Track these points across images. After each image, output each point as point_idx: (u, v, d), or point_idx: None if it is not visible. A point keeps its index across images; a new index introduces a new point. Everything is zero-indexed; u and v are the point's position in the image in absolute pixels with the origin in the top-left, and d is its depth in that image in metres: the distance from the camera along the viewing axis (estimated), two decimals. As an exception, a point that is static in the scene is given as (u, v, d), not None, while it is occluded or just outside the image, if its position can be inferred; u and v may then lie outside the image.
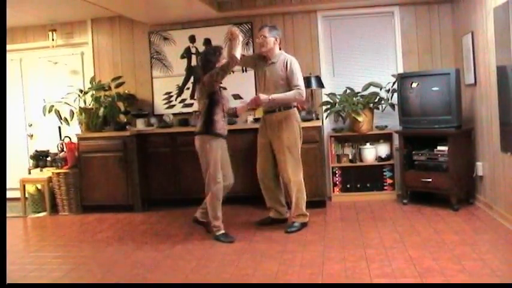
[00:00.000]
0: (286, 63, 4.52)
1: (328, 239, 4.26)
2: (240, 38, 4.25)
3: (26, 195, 6.09)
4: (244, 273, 3.53)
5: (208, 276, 3.52)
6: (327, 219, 5.00)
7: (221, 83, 4.47)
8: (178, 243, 4.39)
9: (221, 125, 4.39)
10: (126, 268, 3.82)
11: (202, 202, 4.56)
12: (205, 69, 4.39)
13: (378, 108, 5.85)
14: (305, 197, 4.66)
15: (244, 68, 6.05)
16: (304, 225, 4.64)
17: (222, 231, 4.40)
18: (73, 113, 6.15)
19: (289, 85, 4.51)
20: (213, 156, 4.33)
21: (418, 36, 5.98)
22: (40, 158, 6.37)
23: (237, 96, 6.09)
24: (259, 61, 4.73)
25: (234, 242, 4.29)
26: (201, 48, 6.29)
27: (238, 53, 4.21)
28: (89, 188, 5.89)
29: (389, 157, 5.80)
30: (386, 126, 5.87)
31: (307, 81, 5.78)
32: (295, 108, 4.64)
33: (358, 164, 5.83)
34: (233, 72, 6.15)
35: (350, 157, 5.86)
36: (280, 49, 4.68)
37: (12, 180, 5.99)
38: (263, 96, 4.46)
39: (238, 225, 4.85)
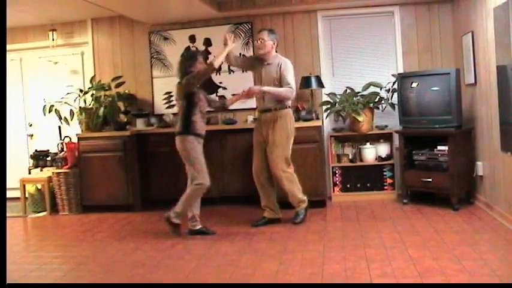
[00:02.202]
0: (280, 65, 4.73)
1: (328, 239, 4.26)
2: (230, 44, 4.53)
3: (26, 195, 6.09)
4: (244, 273, 3.53)
5: (208, 276, 3.53)
6: (327, 219, 5.00)
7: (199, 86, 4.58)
8: (178, 243, 4.39)
9: (200, 125, 4.53)
10: (126, 268, 3.82)
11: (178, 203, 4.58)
12: (181, 72, 4.57)
13: (378, 108, 5.85)
14: (299, 186, 4.84)
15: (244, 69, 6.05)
16: (307, 209, 4.86)
17: (176, 221, 4.53)
18: (73, 113, 6.15)
19: (282, 85, 4.71)
20: (195, 154, 4.46)
21: (418, 36, 5.98)
22: (40, 158, 6.38)
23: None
24: (256, 62, 4.93)
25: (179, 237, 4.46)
26: (201, 48, 6.30)
27: (218, 62, 4.45)
28: (89, 188, 5.89)
29: (389, 157, 5.80)
30: (386, 126, 5.87)
31: (307, 81, 5.80)
32: (289, 109, 4.83)
33: (358, 163, 5.83)
34: (233, 72, 6.19)
35: (350, 157, 5.86)
36: (276, 52, 4.87)
37: (12, 180, 6.00)
38: (255, 88, 4.70)
39: (238, 225, 4.85)
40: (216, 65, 4.44)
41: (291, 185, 4.77)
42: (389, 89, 5.76)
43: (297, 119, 5.64)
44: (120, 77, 6.35)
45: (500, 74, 4.26)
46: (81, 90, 6.26)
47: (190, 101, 4.50)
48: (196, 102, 4.51)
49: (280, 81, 4.70)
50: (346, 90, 5.88)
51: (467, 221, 4.59)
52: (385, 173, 5.77)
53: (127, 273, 3.71)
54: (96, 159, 5.85)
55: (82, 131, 6.12)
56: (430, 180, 5.15)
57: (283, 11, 6.11)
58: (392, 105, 5.73)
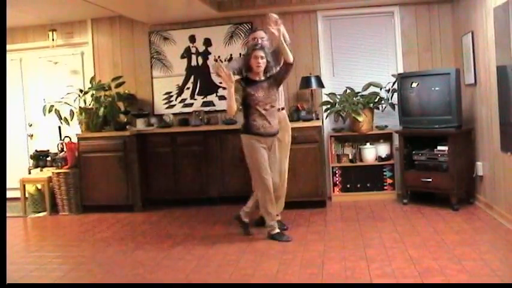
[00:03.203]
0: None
1: (328, 239, 4.27)
2: (231, 85, 4.20)
3: (26, 195, 6.09)
4: (244, 273, 3.53)
5: (208, 276, 3.53)
6: (327, 219, 5.00)
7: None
8: (178, 243, 4.39)
9: (260, 124, 4.35)
10: (126, 268, 3.82)
11: (248, 201, 4.59)
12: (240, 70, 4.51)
13: (378, 108, 5.85)
14: None
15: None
16: None
17: (277, 231, 4.38)
18: (73, 113, 6.15)
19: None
20: (253, 155, 4.37)
21: (418, 36, 5.98)
22: (40, 158, 6.38)
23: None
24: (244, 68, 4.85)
25: (290, 241, 4.26)
26: (201, 48, 6.31)
27: (233, 109, 4.25)
28: (89, 188, 5.89)
29: (389, 157, 5.80)
30: (386, 126, 5.87)
31: (307, 81, 5.80)
32: None
33: (358, 164, 5.83)
34: (234, 73, 6.16)
35: (350, 157, 5.86)
36: None
37: (12, 180, 6.00)
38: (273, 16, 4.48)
39: (238, 225, 4.84)
40: (233, 113, 4.33)
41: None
42: (389, 89, 5.76)
43: (297, 119, 5.65)
44: (120, 77, 6.35)
45: (500, 74, 4.26)
46: (81, 90, 6.26)
47: (244, 102, 4.39)
48: (248, 103, 4.37)
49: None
50: (346, 90, 5.88)
51: (467, 221, 4.59)
52: (385, 173, 5.77)
53: (127, 273, 3.71)
54: (96, 159, 5.85)
55: (82, 131, 6.11)
56: (430, 180, 5.15)
57: (283, 11, 6.09)
58: (392, 105, 5.73)
